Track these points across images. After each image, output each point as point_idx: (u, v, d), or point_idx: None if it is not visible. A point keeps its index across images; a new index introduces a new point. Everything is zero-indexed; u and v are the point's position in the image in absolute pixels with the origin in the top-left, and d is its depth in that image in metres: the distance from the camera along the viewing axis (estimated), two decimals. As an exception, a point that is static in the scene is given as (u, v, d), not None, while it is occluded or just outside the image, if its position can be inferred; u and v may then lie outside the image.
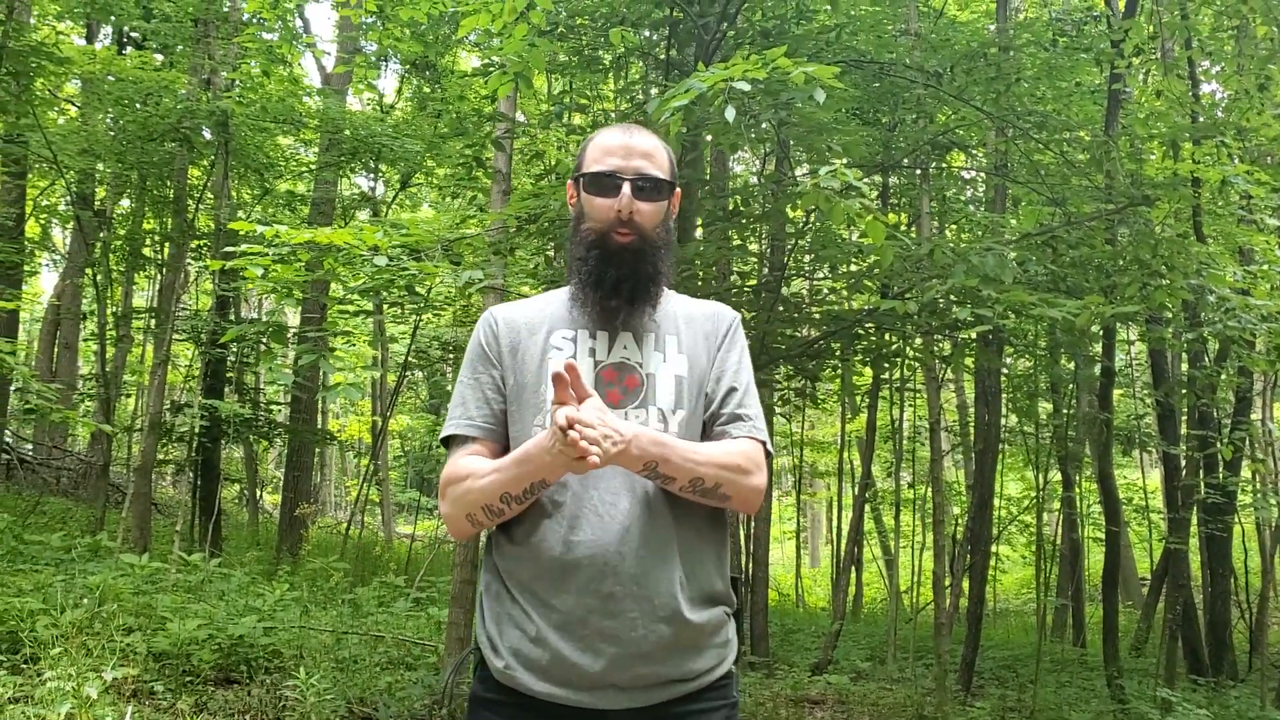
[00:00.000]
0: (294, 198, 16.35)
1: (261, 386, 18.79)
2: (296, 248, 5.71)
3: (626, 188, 2.12)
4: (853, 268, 9.30)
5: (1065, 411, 10.77)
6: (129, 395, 20.29)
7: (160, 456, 12.96)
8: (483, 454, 2.13)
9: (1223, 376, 9.66)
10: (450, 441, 2.18)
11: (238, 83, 11.32)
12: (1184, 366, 11.17)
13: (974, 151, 10.56)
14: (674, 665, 2.01)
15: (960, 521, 12.93)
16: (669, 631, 1.99)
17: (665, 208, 2.20)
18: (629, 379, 2.13)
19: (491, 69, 7.19)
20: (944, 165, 10.78)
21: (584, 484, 2.03)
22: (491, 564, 2.14)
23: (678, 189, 2.26)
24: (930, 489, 9.67)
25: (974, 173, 11.73)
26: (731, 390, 2.18)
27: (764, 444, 2.16)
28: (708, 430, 2.16)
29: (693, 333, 2.22)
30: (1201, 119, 8.50)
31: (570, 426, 1.83)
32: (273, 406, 16.74)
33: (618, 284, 2.12)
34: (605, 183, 2.14)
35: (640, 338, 2.17)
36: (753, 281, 9.80)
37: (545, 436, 1.92)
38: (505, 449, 2.16)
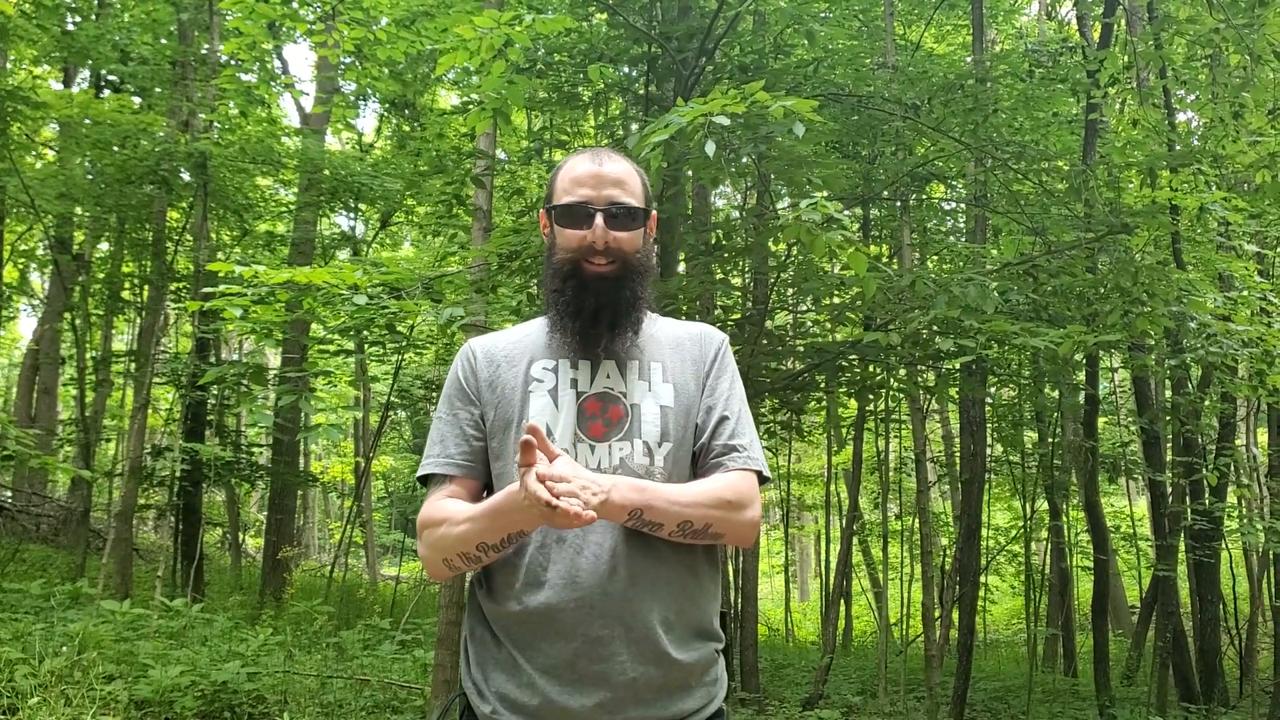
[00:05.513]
0: (273, 238, 16.31)
1: (243, 429, 18.67)
2: (276, 288, 5.68)
3: (599, 219, 2.06)
4: (835, 300, 9.31)
5: (1050, 440, 10.77)
6: (109, 440, 20.09)
7: (141, 501, 12.84)
8: (461, 494, 2.08)
9: (1206, 402, 9.69)
10: (429, 479, 2.13)
11: (216, 124, 11.30)
12: (1168, 393, 11.19)
13: (953, 182, 10.62)
14: (664, 706, 1.96)
15: (948, 552, 12.89)
16: (658, 672, 1.95)
17: (642, 233, 2.14)
18: (613, 410, 2.06)
19: (470, 106, 7.20)
20: (924, 197, 10.82)
21: None
22: (476, 607, 2.09)
23: (653, 212, 2.20)
24: (917, 520, 9.63)
25: (954, 203, 11.79)
26: (723, 420, 2.11)
27: (759, 472, 2.10)
28: (700, 462, 2.10)
29: (679, 359, 2.16)
30: (1178, 147, 8.56)
31: (541, 482, 1.78)
32: (254, 449, 16.61)
33: (597, 312, 2.06)
34: (577, 213, 2.08)
35: (624, 365, 2.11)
36: (736, 315, 9.79)
37: (516, 489, 1.85)
38: (485, 485, 2.12)
